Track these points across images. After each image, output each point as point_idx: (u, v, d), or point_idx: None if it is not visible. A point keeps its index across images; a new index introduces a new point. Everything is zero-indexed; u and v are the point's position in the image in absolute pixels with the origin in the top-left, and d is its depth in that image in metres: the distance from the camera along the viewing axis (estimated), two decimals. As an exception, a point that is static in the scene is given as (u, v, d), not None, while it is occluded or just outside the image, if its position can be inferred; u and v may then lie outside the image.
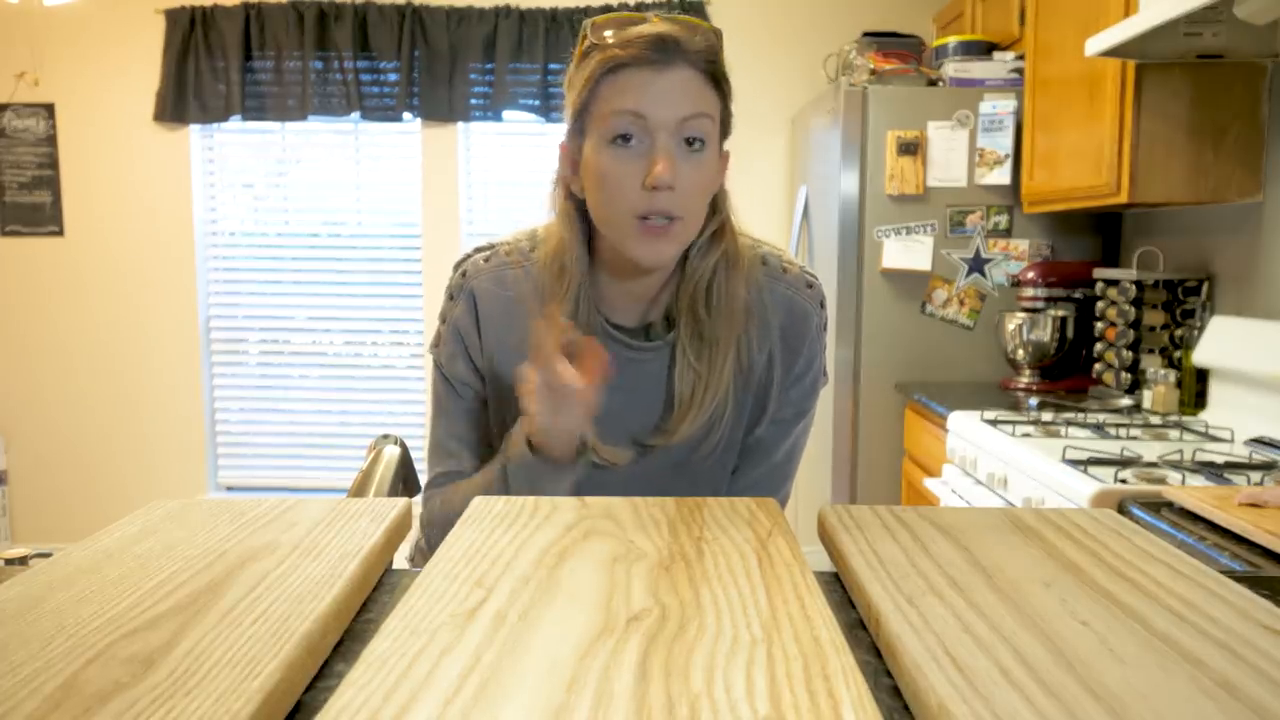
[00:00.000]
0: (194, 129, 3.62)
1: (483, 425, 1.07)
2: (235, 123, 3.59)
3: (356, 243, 3.71)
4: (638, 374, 1.02)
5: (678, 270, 1.01)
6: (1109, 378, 2.35)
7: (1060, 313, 2.52)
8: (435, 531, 1.04)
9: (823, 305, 1.08)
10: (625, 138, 0.91)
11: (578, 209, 1.00)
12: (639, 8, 3.44)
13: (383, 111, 3.54)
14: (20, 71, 3.56)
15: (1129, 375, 2.29)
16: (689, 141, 0.92)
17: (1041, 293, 2.56)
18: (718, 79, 0.95)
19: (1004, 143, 2.62)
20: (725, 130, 0.99)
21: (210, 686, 0.40)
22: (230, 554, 0.58)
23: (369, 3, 3.47)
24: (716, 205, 1.02)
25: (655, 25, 0.92)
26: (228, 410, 3.79)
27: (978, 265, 2.69)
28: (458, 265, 1.07)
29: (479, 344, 1.04)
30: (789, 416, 1.07)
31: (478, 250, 1.08)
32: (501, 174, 3.66)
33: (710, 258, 1.01)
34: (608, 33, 0.93)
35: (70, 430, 3.74)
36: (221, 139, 3.68)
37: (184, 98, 3.52)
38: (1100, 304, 2.40)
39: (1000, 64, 2.70)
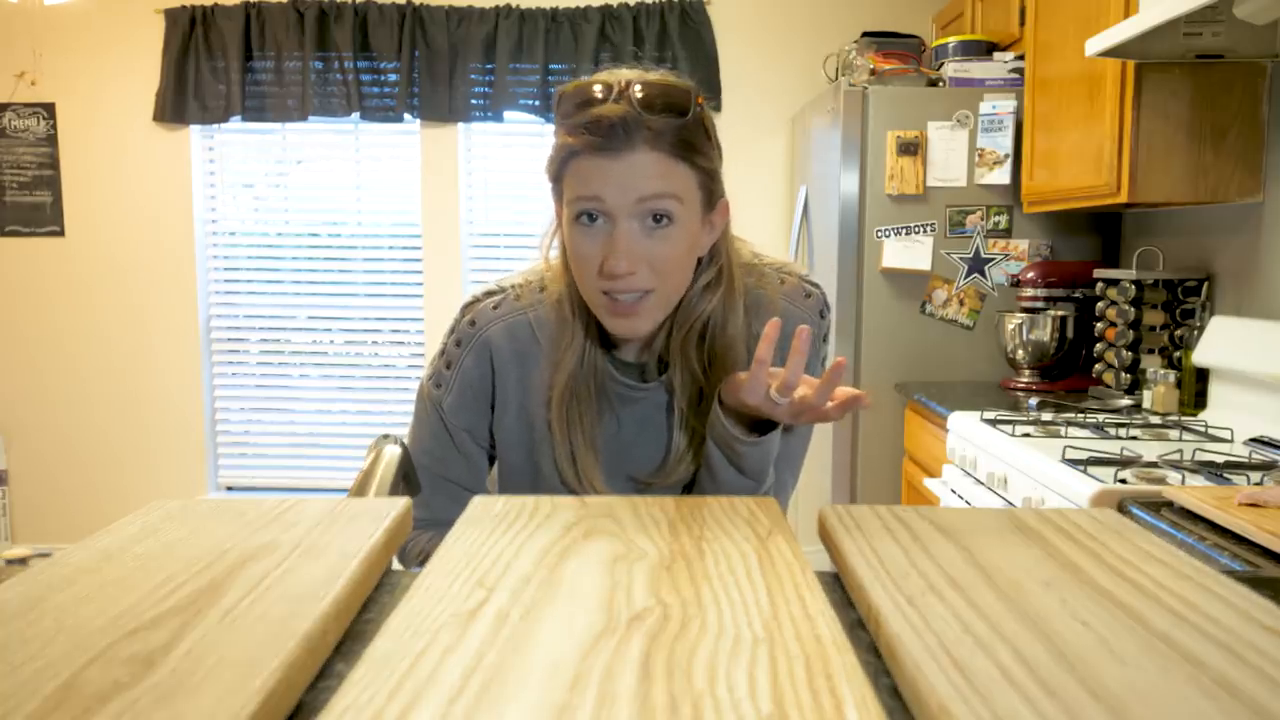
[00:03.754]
0: (194, 129, 3.62)
1: (473, 470, 1.09)
2: (235, 123, 3.59)
3: (356, 243, 3.71)
4: (639, 412, 1.03)
5: (672, 314, 1.01)
6: (1109, 378, 2.35)
7: (1060, 313, 2.53)
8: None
9: (823, 314, 1.06)
10: (590, 217, 0.91)
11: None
12: (636, 14, 3.44)
13: (383, 112, 3.54)
14: (20, 71, 3.56)
15: (1129, 375, 2.29)
16: (655, 218, 0.90)
17: (1041, 293, 2.56)
18: (687, 152, 0.90)
19: (1004, 143, 2.62)
20: (710, 192, 0.95)
21: (210, 686, 0.40)
22: (230, 554, 0.58)
23: (369, 3, 3.47)
24: (715, 253, 1.00)
25: (611, 108, 0.88)
26: (228, 410, 3.79)
27: (978, 265, 2.69)
28: (465, 310, 1.06)
29: (491, 394, 1.05)
30: None
31: (487, 295, 1.06)
32: (501, 174, 3.66)
33: (704, 305, 1.00)
34: (567, 112, 0.92)
35: (70, 430, 3.74)
36: (221, 139, 3.68)
37: (184, 98, 3.53)
38: (1100, 304, 2.40)
39: (1000, 64, 2.70)
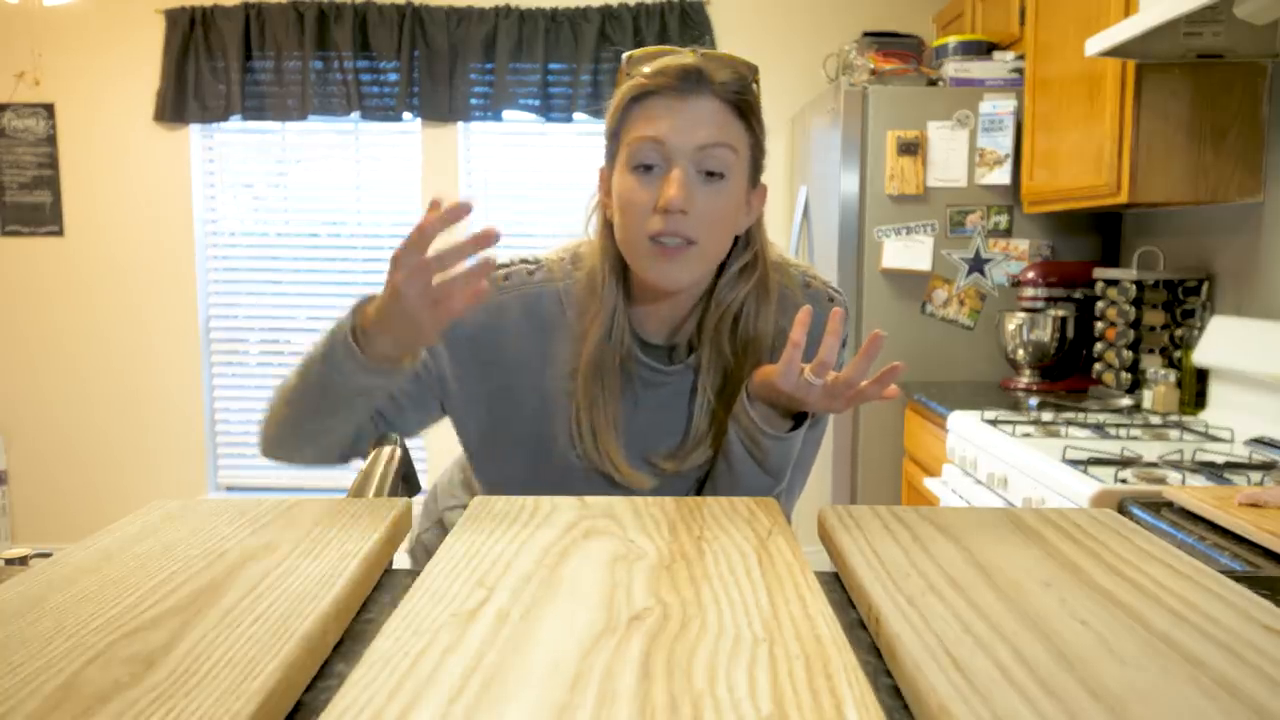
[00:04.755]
0: (194, 129, 3.62)
1: (406, 407, 1.03)
2: (235, 123, 3.59)
3: (356, 243, 3.71)
4: (661, 395, 1.03)
5: (706, 296, 1.02)
6: (1109, 378, 2.35)
7: (1060, 313, 2.53)
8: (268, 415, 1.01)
9: (844, 321, 1.07)
10: (647, 166, 0.94)
11: (612, 233, 1.00)
12: (636, 14, 3.44)
13: (383, 111, 3.54)
14: (20, 71, 3.56)
15: (1129, 375, 2.29)
16: (709, 173, 0.93)
17: (1041, 293, 2.56)
18: (745, 112, 0.95)
19: (1004, 143, 2.62)
20: (756, 165, 0.99)
21: (210, 686, 0.40)
22: (230, 554, 0.58)
23: (369, 3, 3.47)
24: (751, 238, 1.02)
25: (684, 58, 0.94)
26: (228, 410, 3.79)
27: (978, 265, 2.69)
28: (503, 267, 1.05)
29: (490, 353, 1.02)
30: None
31: (522, 261, 1.06)
32: (501, 174, 3.66)
33: (738, 290, 1.01)
34: (639, 64, 0.96)
35: (70, 430, 3.74)
36: (221, 139, 3.68)
37: (184, 98, 3.53)
38: (1100, 304, 2.40)
39: (1000, 64, 2.70)
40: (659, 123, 0.93)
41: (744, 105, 0.95)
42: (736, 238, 1.01)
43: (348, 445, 1.00)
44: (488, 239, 0.79)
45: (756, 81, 0.97)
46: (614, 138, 0.98)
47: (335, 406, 0.93)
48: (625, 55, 0.98)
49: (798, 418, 0.97)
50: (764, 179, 1.02)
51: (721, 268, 1.01)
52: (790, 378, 0.90)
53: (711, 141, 0.93)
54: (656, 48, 0.98)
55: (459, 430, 1.07)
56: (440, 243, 0.82)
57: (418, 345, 0.88)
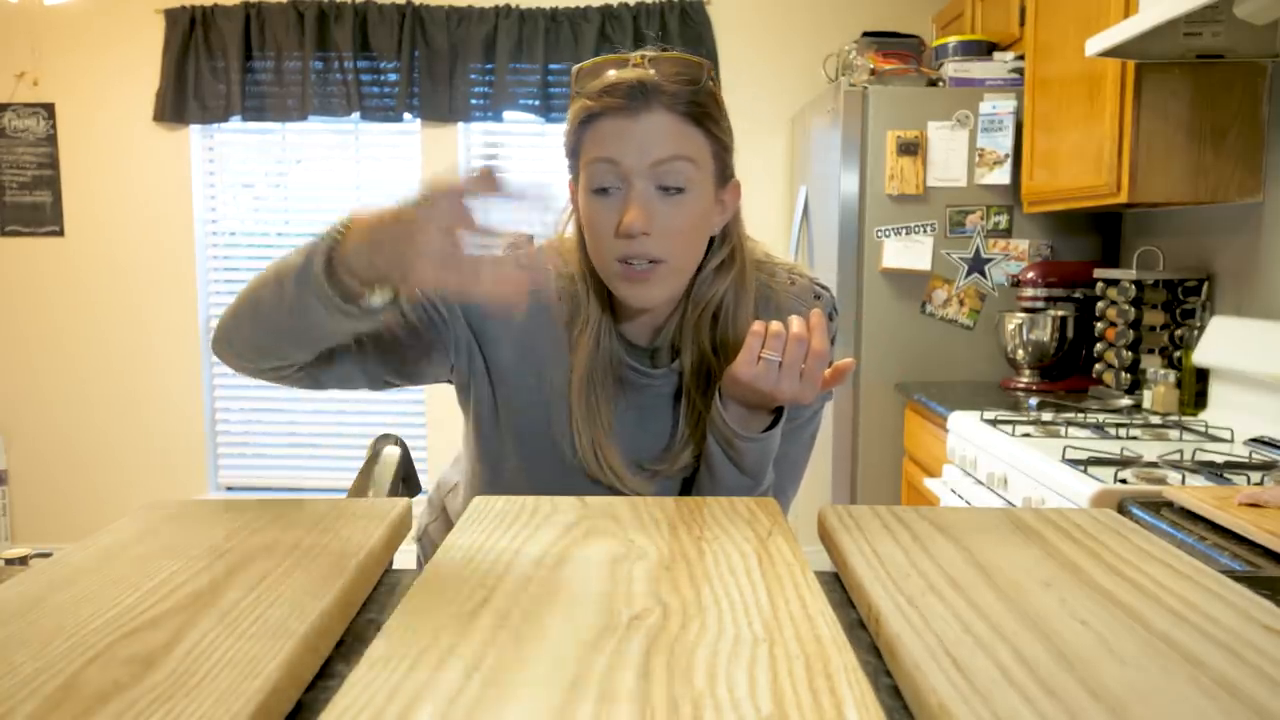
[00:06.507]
0: (194, 129, 3.62)
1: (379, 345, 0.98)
2: (235, 123, 3.59)
3: (356, 243, 3.71)
4: (646, 399, 1.03)
5: (685, 294, 1.01)
6: (1109, 378, 2.35)
7: (1060, 313, 2.53)
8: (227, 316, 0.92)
9: (831, 317, 1.06)
10: (605, 190, 0.92)
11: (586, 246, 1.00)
12: (636, 14, 3.44)
13: (383, 112, 3.54)
14: (20, 71, 3.56)
15: (1129, 375, 2.29)
16: (669, 188, 0.92)
17: (1041, 293, 2.56)
18: (701, 118, 0.93)
19: (1004, 143, 2.62)
20: (723, 166, 0.97)
21: (210, 686, 0.40)
22: (230, 554, 0.58)
23: (369, 3, 3.47)
24: (727, 234, 1.01)
25: (630, 72, 0.91)
26: (228, 410, 3.79)
27: (978, 265, 2.69)
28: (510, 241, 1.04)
29: (501, 335, 1.01)
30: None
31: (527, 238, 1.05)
32: (501, 174, 3.65)
33: (716, 287, 1.00)
34: (586, 81, 0.94)
35: (70, 430, 3.74)
36: (221, 139, 3.68)
37: (184, 98, 3.52)
38: (1100, 304, 2.40)
39: (1000, 64, 2.70)
40: (611, 145, 0.91)
41: (700, 113, 0.92)
42: (712, 237, 1.00)
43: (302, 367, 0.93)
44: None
45: (712, 78, 0.95)
46: (572, 156, 0.97)
47: (294, 330, 0.85)
48: (574, 69, 0.95)
49: (775, 416, 0.97)
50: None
51: (700, 266, 1.00)
52: (749, 366, 0.90)
53: (667, 156, 0.91)
54: (603, 58, 0.95)
55: (461, 398, 1.05)
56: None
57: (399, 281, 0.79)
